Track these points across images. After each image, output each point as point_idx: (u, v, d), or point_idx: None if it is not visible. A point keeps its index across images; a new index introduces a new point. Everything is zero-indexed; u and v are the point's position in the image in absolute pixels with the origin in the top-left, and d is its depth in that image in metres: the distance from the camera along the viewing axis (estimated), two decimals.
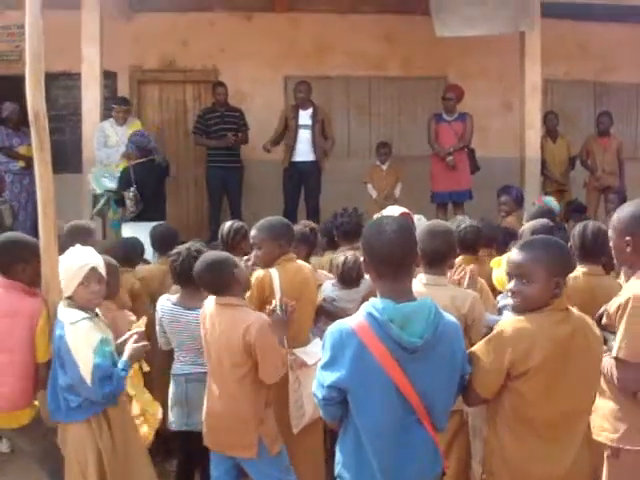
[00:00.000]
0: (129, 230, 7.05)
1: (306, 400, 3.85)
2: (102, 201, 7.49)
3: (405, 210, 4.78)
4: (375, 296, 2.55)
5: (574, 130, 9.86)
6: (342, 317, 4.32)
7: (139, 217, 7.21)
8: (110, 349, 3.47)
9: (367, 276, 4.44)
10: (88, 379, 3.32)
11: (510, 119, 9.60)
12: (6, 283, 3.64)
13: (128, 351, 3.53)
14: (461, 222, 4.77)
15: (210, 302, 3.65)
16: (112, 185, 7.47)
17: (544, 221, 4.68)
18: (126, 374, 3.48)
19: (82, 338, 3.38)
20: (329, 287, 4.55)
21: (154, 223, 6.07)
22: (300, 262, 4.14)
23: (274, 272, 3.91)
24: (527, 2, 7.87)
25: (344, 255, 4.55)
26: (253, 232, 4.06)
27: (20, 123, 8.56)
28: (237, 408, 3.51)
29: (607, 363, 2.92)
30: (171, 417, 4.03)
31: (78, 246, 3.65)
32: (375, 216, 4.41)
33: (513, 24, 7.95)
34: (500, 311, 3.79)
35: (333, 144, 8.70)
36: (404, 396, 2.42)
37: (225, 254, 3.78)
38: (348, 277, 4.46)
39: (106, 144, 7.81)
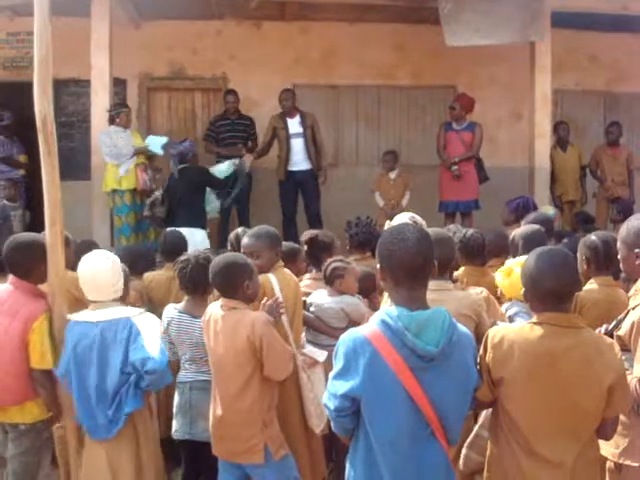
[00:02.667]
0: None
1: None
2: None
3: (415, 215, 4.75)
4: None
5: (584, 140, 9.83)
6: (315, 325, 4.36)
7: (174, 223, 7.03)
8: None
9: (354, 296, 4.45)
10: (156, 354, 3.39)
11: (519, 129, 9.58)
12: (16, 282, 3.68)
13: None
14: (456, 231, 4.72)
15: (214, 308, 3.66)
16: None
17: (535, 227, 4.62)
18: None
19: (153, 324, 3.53)
20: (314, 294, 4.56)
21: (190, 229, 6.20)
22: (287, 270, 4.11)
23: (272, 277, 3.90)
24: (537, 12, 7.84)
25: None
26: (249, 241, 4.00)
27: (15, 132, 8.60)
28: (241, 410, 3.50)
29: (633, 384, 2.82)
30: (175, 426, 4.01)
31: (104, 250, 3.77)
32: (385, 225, 4.39)
33: (523, 34, 7.92)
34: (511, 319, 3.73)
35: (324, 151, 8.66)
36: (417, 406, 2.39)
37: (242, 257, 3.75)
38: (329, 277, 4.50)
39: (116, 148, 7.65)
